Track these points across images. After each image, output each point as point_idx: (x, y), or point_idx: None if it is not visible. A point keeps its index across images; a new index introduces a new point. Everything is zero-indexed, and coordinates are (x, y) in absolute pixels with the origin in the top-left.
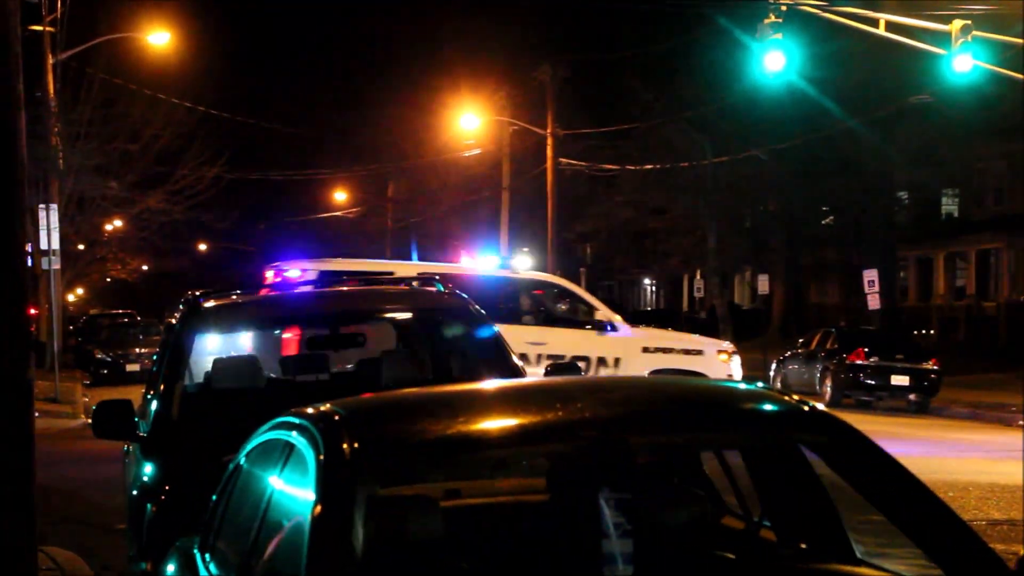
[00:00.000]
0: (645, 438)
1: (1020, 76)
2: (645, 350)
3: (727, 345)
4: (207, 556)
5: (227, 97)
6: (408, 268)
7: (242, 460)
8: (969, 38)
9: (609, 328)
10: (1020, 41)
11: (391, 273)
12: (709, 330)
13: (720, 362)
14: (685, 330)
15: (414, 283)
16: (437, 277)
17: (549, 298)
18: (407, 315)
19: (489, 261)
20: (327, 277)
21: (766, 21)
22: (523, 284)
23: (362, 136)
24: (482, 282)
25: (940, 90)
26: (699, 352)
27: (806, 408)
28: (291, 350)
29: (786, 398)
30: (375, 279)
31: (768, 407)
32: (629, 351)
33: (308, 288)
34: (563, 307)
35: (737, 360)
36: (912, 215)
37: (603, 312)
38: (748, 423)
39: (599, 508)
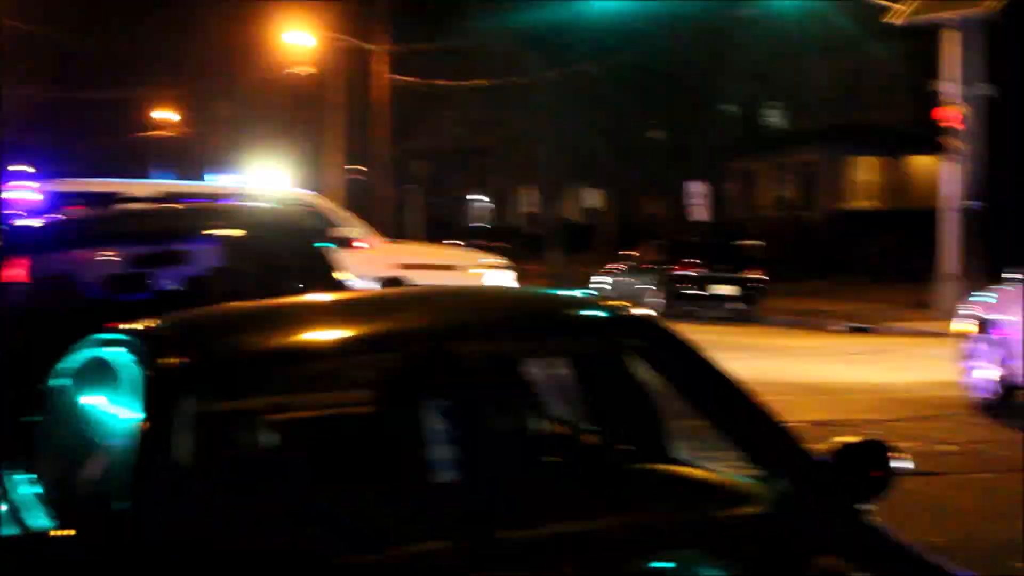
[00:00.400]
0: (469, 346)
1: None
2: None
3: (491, 259)
4: (28, 477)
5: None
6: (141, 188)
7: (64, 379)
8: None
9: (351, 246)
10: None
11: (115, 195)
12: (540, 245)
13: (476, 278)
14: (517, 245)
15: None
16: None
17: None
18: (234, 232)
19: (237, 178)
20: (54, 201)
21: None
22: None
23: (188, 55)
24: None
25: (766, 3)
26: (450, 267)
27: (626, 313)
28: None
29: (608, 303)
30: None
31: (590, 313)
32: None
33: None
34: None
35: (508, 275)
36: (739, 128)
37: (349, 230)
38: (570, 329)
39: (424, 416)
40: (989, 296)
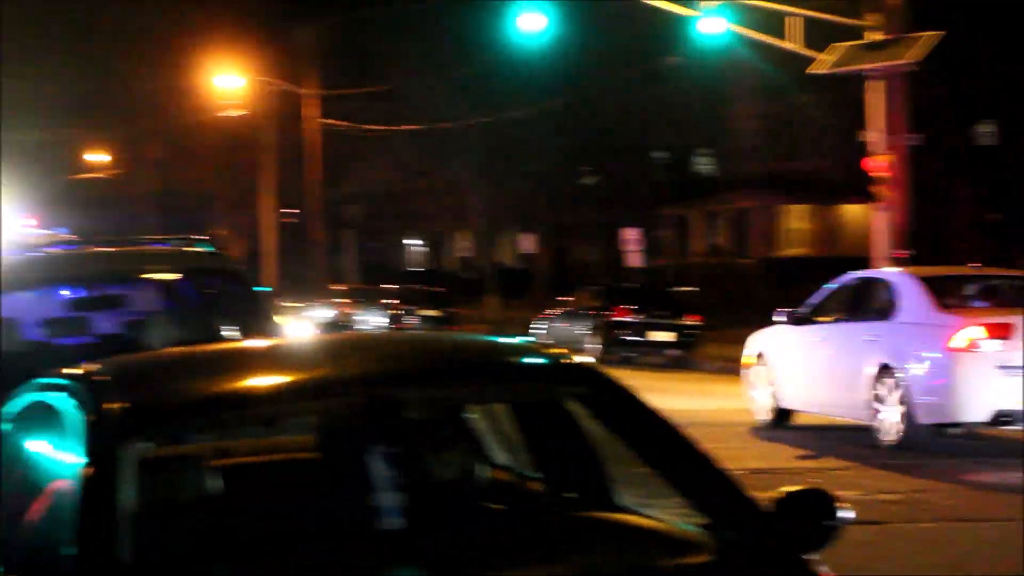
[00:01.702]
0: (411, 393)
1: (769, 39)
2: None
3: None
4: None
5: None
6: None
7: (5, 424)
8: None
9: None
10: (769, 4)
11: None
12: (476, 290)
13: None
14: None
15: (178, 243)
16: (202, 238)
17: None
18: (172, 276)
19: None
20: None
21: None
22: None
23: (118, 95)
24: None
25: (695, 52)
26: None
27: (567, 360)
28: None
29: (549, 350)
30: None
31: (531, 360)
32: None
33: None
34: None
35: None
36: (670, 175)
37: None
38: (511, 376)
39: (369, 463)
40: (765, 332)
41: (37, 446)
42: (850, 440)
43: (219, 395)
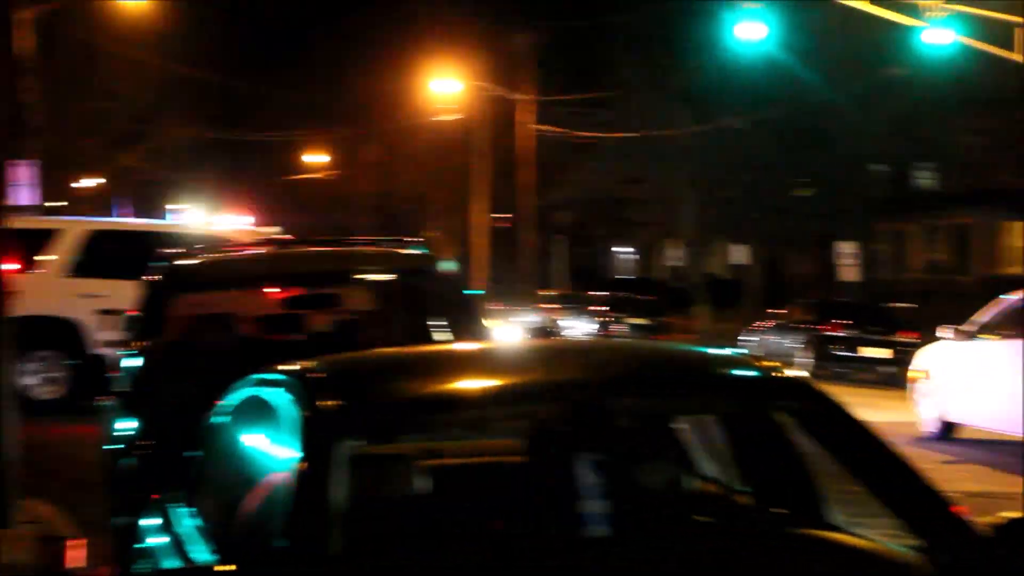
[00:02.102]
0: (623, 402)
1: (997, 50)
2: None
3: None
4: (188, 511)
5: (206, 57)
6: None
7: (223, 416)
8: (946, 11)
9: None
10: (998, 15)
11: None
12: (684, 299)
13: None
14: (662, 299)
15: (392, 244)
16: (416, 240)
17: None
18: (385, 276)
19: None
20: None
21: None
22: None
23: (339, 100)
24: (133, 236)
25: (919, 63)
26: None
27: (782, 374)
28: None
29: (763, 364)
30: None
31: (745, 373)
32: None
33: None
34: None
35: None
36: (888, 188)
37: None
38: (725, 389)
39: (576, 470)
40: (933, 348)
41: (252, 440)
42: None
43: (430, 397)
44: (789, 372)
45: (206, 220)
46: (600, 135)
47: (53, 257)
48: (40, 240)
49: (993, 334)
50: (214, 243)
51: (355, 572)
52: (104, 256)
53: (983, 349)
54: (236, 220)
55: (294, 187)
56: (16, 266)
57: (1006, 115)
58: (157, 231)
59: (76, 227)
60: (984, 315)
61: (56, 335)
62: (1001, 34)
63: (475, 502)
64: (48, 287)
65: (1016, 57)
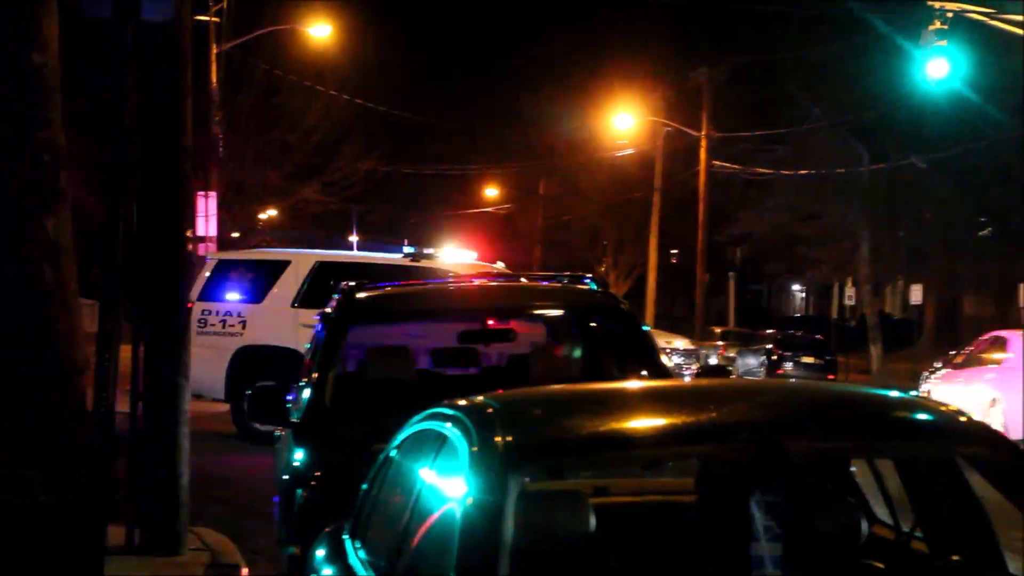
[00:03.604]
0: (799, 442)
1: None
2: None
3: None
4: (357, 543)
5: (384, 91)
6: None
7: (394, 449)
8: None
9: None
10: None
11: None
12: (858, 339)
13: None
14: (834, 338)
15: (565, 280)
16: (590, 276)
17: None
18: (558, 312)
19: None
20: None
21: (930, 27)
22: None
23: (515, 133)
24: (358, 268)
25: None
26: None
27: (964, 419)
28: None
29: (943, 408)
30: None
31: (925, 417)
32: None
33: (462, 282)
34: None
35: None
36: None
37: None
38: (905, 432)
39: (749, 511)
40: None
41: (425, 474)
42: None
43: (603, 435)
44: (969, 416)
45: (431, 253)
46: (775, 172)
47: (282, 289)
48: (274, 271)
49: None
50: (436, 276)
51: None
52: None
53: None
54: (461, 254)
55: (471, 220)
56: (249, 296)
57: None
58: (384, 263)
59: (305, 259)
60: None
61: (282, 365)
62: None
63: (644, 541)
64: (277, 318)
65: None
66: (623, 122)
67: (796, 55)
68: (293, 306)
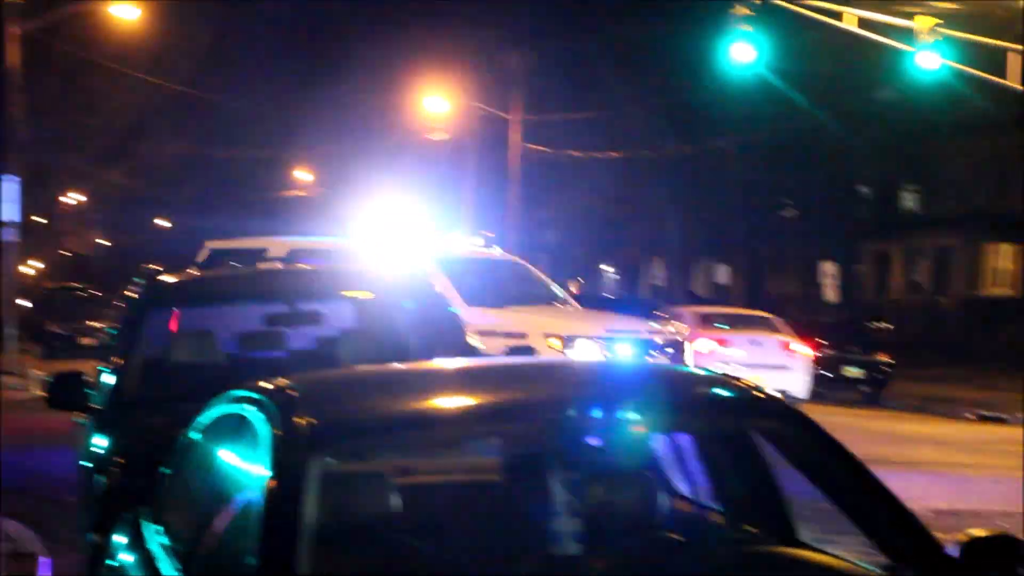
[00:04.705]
0: (599, 419)
1: (987, 76)
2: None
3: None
4: (157, 528)
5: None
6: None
7: (196, 433)
8: (937, 36)
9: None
10: (989, 41)
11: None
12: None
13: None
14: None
15: (378, 262)
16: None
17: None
18: (368, 294)
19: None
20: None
21: (735, 12)
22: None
23: (325, 117)
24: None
25: (906, 87)
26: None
27: (759, 394)
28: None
29: (740, 383)
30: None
31: (722, 392)
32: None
33: (270, 265)
34: None
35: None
36: (873, 210)
37: (557, 291)
38: (702, 408)
39: (550, 488)
40: None
41: (227, 457)
42: None
43: (405, 415)
44: (764, 391)
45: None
46: (585, 154)
47: None
48: (253, 260)
49: None
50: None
51: None
52: None
53: None
54: (466, 238)
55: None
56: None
57: (993, 139)
58: (347, 250)
59: (280, 246)
60: None
61: None
62: (994, 59)
63: (447, 521)
64: None
65: (1005, 82)
66: (437, 105)
67: (604, 39)
68: None
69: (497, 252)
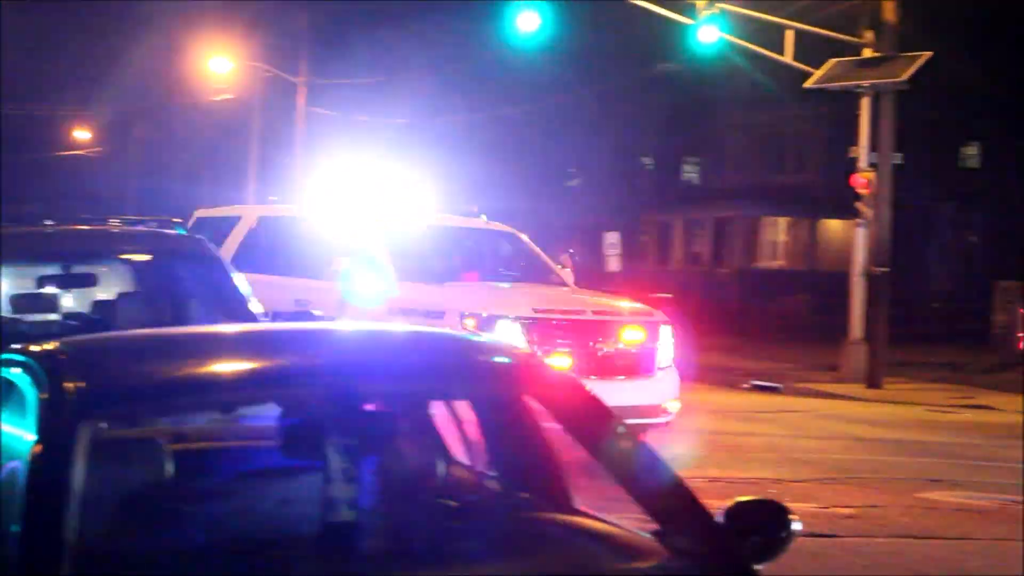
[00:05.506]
0: (376, 385)
1: (763, 50)
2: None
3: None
4: None
5: None
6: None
7: None
8: (714, 10)
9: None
10: (767, 17)
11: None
12: None
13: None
14: None
15: (153, 225)
16: (177, 221)
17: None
18: (145, 257)
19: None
20: None
21: None
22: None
23: (108, 75)
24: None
25: (689, 59)
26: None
27: (535, 361)
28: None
29: (516, 351)
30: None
31: (496, 359)
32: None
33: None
34: None
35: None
36: (656, 181)
37: (551, 264)
38: (478, 374)
39: (326, 454)
40: None
41: None
42: None
43: (178, 379)
44: (535, 355)
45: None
46: (371, 118)
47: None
48: (229, 227)
49: None
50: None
51: (91, 559)
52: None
53: None
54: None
55: (59, 163)
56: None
57: (770, 113)
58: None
59: (251, 212)
60: None
61: None
62: (772, 35)
63: (222, 487)
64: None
65: (781, 58)
66: (222, 66)
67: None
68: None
69: (482, 222)
